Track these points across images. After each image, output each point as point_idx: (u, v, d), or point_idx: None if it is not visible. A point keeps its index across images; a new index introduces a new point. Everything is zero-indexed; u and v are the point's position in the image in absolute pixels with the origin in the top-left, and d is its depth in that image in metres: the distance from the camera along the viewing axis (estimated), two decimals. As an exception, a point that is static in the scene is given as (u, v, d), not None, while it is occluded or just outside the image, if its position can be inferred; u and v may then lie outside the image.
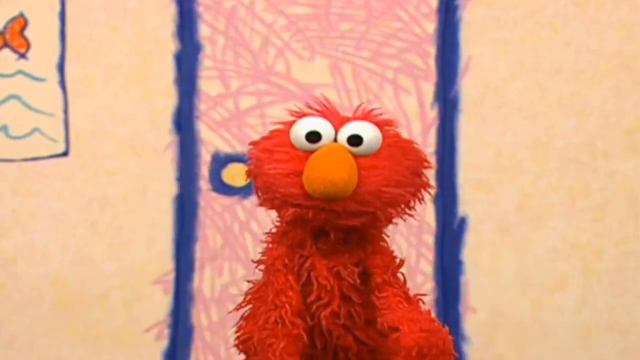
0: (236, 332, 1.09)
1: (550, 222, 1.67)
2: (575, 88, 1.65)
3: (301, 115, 1.05)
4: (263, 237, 1.08)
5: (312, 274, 1.03)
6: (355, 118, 1.04)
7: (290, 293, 1.03)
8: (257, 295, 1.07)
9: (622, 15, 1.63)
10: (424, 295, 1.05)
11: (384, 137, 1.02)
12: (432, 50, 1.64)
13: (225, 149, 1.66)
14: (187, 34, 1.64)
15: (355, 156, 1.00)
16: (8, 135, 1.64)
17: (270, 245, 1.07)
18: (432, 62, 1.65)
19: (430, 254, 1.66)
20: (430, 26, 1.64)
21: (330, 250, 1.03)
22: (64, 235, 1.67)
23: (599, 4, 1.63)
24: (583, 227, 1.67)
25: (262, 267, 1.06)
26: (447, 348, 1.00)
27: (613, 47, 1.64)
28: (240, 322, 1.09)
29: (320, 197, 0.98)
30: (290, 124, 1.05)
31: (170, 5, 1.63)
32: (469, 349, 1.67)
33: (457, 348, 1.68)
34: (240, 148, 1.65)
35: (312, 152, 1.01)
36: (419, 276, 1.65)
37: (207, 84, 1.65)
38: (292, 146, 1.02)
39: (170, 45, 1.64)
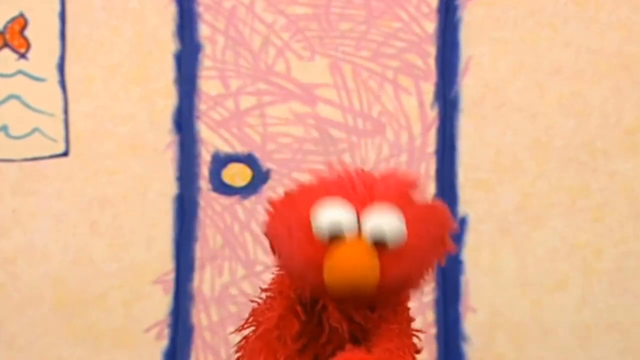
0: (236, 351, 1.08)
1: (550, 222, 1.67)
2: (575, 88, 1.65)
3: (323, 190, 1.01)
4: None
5: (323, 315, 1.03)
6: (378, 199, 1.00)
7: (295, 321, 1.03)
8: (261, 318, 1.06)
9: (622, 15, 1.63)
10: (421, 332, 1.06)
11: (408, 211, 1.00)
12: (432, 50, 1.64)
13: (225, 149, 1.66)
14: (187, 34, 1.64)
15: (378, 247, 0.98)
16: (8, 135, 1.64)
17: (281, 272, 1.07)
18: (432, 62, 1.65)
19: (430, 254, 1.66)
20: (430, 26, 1.64)
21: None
22: (64, 235, 1.67)
23: (599, 3, 1.63)
24: (583, 227, 1.67)
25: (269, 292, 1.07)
26: None
27: (613, 47, 1.64)
28: (242, 342, 1.07)
29: (343, 297, 0.99)
30: (311, 192, 1.02)
31: (170, 5, 1.63)
32: (469, 349, 1.67)
33: (457, 348, 1.69)
34: (240, 148, 1.65)
35: (333, 241, 0.99)
36: (419, 276, 1.65)
37: (207, 84, 1.65)
38: (312, 231, 1.00)
39: (170, 45, 1.64)
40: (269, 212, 1.05)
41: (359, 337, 1.03)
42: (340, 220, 1.00)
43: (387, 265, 0.99)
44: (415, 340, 1.05)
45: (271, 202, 1.06)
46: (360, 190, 1.01)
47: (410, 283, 1.02)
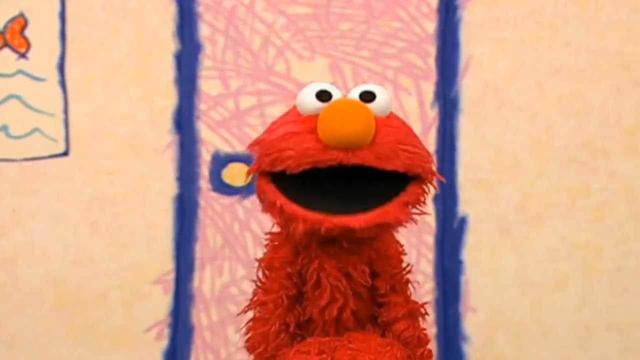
0: (245, 333, 1.05)
1: (550, 222, 1.67)
2: (575, 88, 1.65)
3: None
4: (264, 237, 1.07)
5: (321, 274, 0.99)
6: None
7: (284, 297, 1.00)
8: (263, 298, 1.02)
9: (622, 15, 1.63)
10: (425, 304, 1.04)
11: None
12: (432, 50, 1.64)
13: (225, 149, 1.66)
14: (187, 34, 1.64)
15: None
16: (8, 135, 1.64)
17: (272, 244, 1.03)
18: (432, 62, 1.65)
19: (430, 254, 1.66)
20: (430, 26, 1.64)
21: (339, 250, 0.98)
22: (64, 235, 1.67)
23: (599, 4, 1.63)
24: (583, 227, 1.67)
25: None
26: None
27: (613, 47, 1.64)
28: (249, 324, 1.05)
29: (339, 146, 0.93)
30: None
31: (170, 5, 1.63)
32: (469, 349, 1.67)
33: (457, 348, 1.69)
34: (240, 148, 1.65)
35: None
36: (419, 276, 1.65)
37: (207, 84, 1.65)
38: (299, 114, 0.99)
39: (170, 45, 1.64)
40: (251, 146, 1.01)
41: (361, 294, 1.01)
42: (327, 88, 0.98)
43: (378, 122, 0.95)
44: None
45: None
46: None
47: (403, 152, 0.95)
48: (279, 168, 0.97)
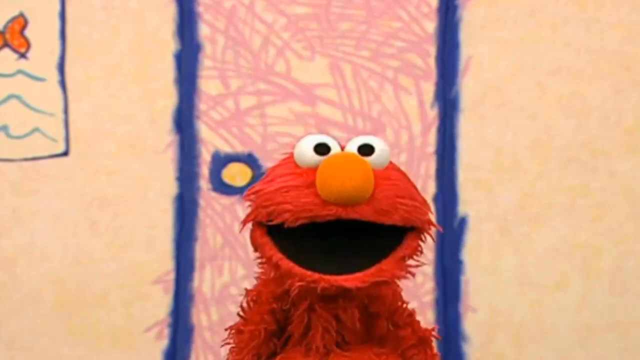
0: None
1: (550, 222, 1.67)
2: (575, 88, 1.65)
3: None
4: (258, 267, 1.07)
5: (312, 316, 0.99)
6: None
7: (262, 330, 1.00)
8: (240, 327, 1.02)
9: (622, 15, 1.63)
10: (434, 328, 1.03)
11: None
12: (432, 50, 1.64)
13: (225, 148, 1.66)
14: (187, 34, 1.64)
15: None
16: (8, 135, 1.64)
17: (263, 277, 1.02)
18: (432, 62, 1.65)
19: (430, 254, 1.66)
20: (431, 26, 1.64)
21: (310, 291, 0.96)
22: (64, 235, 1.67)
23: (599, 3, 1.63)
24: (583, 227, 1.67)
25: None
26: None
27: (613, 46, 1.64)
28: (228, 353, 1.04)
29: (338, 201, 0.93)
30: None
31: (170, 5, 1.63)
32: (469, 349, 1.67)
33: (457, 348, 1.69)
34: (240, 148, 1.65)
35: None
36: (419, 276, 1.65)
37: (207, 84, 1.65)
38: (297, 166, 0.97)
39: (170, 45, 1.64)
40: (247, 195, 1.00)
41: (349, 339, 1.00)
42: (326, 141, 0.97)
43: (377, 176, 0.95)
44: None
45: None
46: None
47: (402, 206, 0.95)
48: (276, 221, 0.96)
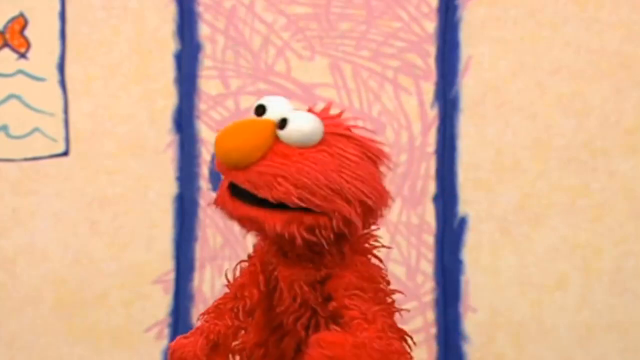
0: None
1: (550, 222, 1.67)
2: (575, 87, 1.65)
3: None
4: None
5: (279, 283, 1.01)
6: (310, 110, 1.00)
7: (255, 290, 1.02)
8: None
9: (622, 15, 1.63)
10: (403, 310, 1.02)
11: (332, 130, 0.98)
12: (432, 50, 1.64)
13: (225, 148, 1.66)
14: (187, 33, 1.64)
15: (291, 146, 0.96)
16: (8, 135, 1.64)
17: (248, 269, 1.05)
18: (432, 62, 1.65)
19: (430, 254, 1.66)
20: (431, 26, 1.64)
21: (293, 262, 1.00)
22: (64, 235, 1.67)
23: (599, 3, 1.63)
24: (583, 227, 1.67)
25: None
26: None
27: (613, 46, 1.64)
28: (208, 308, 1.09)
29: (222, 162, 0.96)
30: None
31: (170, 5, 1.63)
32: (469, 349, 1.67)
33: (457, 348, 1.69)
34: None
35: None
36: (419, 276, 1.65)
37: (207, 84, 1.65)
38: None
39: (170, 45, 1.64)
40: None
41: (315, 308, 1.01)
42: (265, 102, 0.99)
43: (274, 155, 0.96)
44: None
45: None
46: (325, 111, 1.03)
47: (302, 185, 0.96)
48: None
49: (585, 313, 1.69)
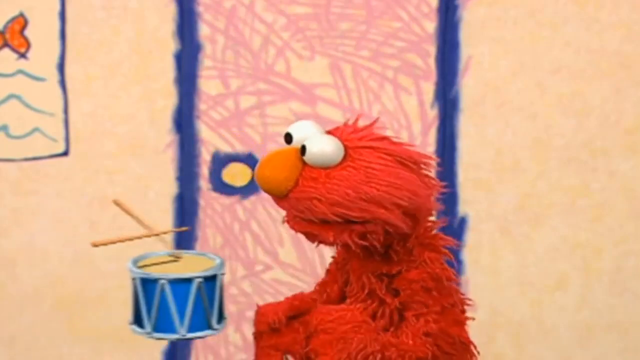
0: None
1: (550, 222, 1.67)
2: (575, 87, 1.65)
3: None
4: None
5: (350, 275, 1.13)
6: (331, 132, 1.09)
7: (335, 287, 1.15)
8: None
9: (622, 15, 1.63)
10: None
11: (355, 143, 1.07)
12: (432, 49, 1.64)
13: (225, 148, 1.66)
14: (187, 33, 1.64)
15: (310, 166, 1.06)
16: (8, 135, 1.64)
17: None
18: (432, 62, 1.65)
19: (430, 254, 1.66)
20: (431, 26, 1.64)
21: (364, 256, 1.10)
22: (64, 235, 1.67)
23: (599, 3, 1.63)
24: (583, 227, 1.67)
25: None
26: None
27: (613, 46, 1.64)
28: None
29: (264, 190, 1.07)
30: None
31: (170, 5, 1.63)
32: (469, 349, 1.68)
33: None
34: (240, 148, 1.65)
35: None
36: (419, 276, 1.65)
37: (207, 84, 1.65)
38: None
39: (170, 45, 1.64)
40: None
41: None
42: (289, 131, 1.08)
43: (306, 179, 1.06)
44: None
45: None
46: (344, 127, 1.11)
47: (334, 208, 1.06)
48: None
49: (585, 313, 1.69)
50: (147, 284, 1.05)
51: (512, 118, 1.65)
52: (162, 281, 1.03)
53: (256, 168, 1.06)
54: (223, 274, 1.08)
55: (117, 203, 1.11)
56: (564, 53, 1.64)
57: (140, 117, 1.65)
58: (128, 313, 1.68)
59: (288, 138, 1.08)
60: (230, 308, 1.65)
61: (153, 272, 1.04)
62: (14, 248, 1.66)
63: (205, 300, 1.05)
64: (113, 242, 1.11)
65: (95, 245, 1.09)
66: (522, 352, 1.69)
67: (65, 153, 1.65)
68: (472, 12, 1.64)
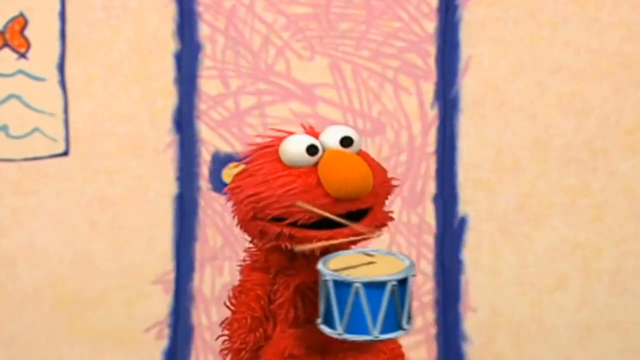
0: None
1: (550, 222, 1.67)
2: (575, 87, 1.65)
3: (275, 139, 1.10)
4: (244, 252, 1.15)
5: (297, 288, 1.11)
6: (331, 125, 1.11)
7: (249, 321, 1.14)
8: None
9: (622, 15, 1.63)
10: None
11: None
12: (432, 49, 1.64)
13: (225, 148, 1.66)
14: (187, 33, 1.64)
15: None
16: (8, 135, 1.64)
17: (249, 264, 1.17)
18: (432, 62, 1.65)
19: (430, 254, 1.67)
20: (431, 26, 1.64)
21: (303, 269, 1.11)
22: (64, 235, 1.67)
23: (599, 3, 1.63)
24: (583, 227, 1.67)
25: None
26: None
27: (613, 46, 1.64)
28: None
29: (349, 198, 1.06)
30: (259, 154, 1.10)
31: (170, 5, 1.63)
32: (469, 349, 1.68)
33: (457, 348, 1.69)
34: (240, 148, 1.65)
35: (313, 165, 1.08)
36: (419, 276, 1.65)
37: (207, 84, 1.65)
38: (287, 166, 1.09)
39: (170, 45, 1.64)
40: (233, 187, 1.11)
41: None
42: (313, 142, 1.08)
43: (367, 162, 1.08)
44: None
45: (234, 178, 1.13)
46: (309, 128, 1.13)
47: (387, 186, 1.10)
48: (289, 220, 1.09)
49: (585, 313, 1.69)
50: (340, 286, 1.05)
51: (512, 118, 1.65)
52: (357, 284, 1.03)
53: (337, 178, 1.06)
54: (414, 276, 1.07)
55: (299, 205, 1.10)
56: (564, 53, 1.64)
57: (140, 117, 1.64)
58: (128, 313, 1.69)
59: (314, 150, 1.08)
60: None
61: (346, 274, 1.04)
62: (14, 248, 1.66)
63: (397, 301, 1.05)
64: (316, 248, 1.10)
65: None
66: (522, 352, 1.69)
67: (65, 153, 1.65)
68: (472, 12, 1.64)
